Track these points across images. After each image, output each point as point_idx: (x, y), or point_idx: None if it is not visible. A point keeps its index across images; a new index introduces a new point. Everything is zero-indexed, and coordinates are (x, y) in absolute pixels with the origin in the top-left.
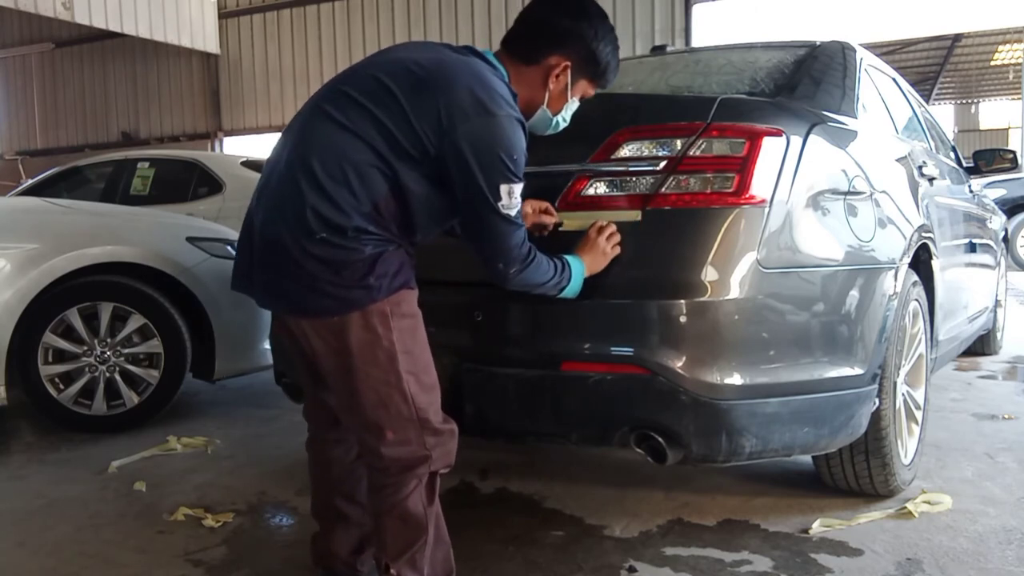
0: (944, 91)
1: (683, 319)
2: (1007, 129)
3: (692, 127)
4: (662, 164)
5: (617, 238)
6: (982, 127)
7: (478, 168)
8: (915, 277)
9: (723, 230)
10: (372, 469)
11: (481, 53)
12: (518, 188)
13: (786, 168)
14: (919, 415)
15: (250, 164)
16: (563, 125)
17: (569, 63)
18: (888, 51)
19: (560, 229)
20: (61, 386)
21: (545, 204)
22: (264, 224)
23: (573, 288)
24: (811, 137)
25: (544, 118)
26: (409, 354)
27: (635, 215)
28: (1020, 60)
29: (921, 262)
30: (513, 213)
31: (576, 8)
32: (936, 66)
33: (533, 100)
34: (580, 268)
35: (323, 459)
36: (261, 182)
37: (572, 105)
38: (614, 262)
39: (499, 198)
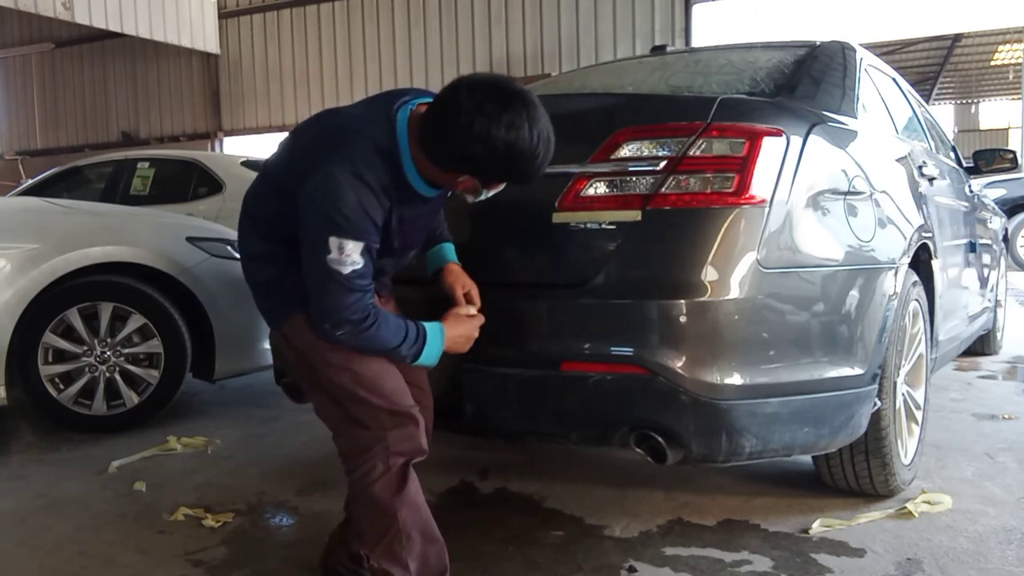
0: (944, 91)
1: (683, 319)
2: (1007, 129)
3: (692, 127)
4: (662, 164)
5: (478, 324)
6: (982, 127)
7: (309, 217)
8: (915, 277)
9: (723, 230)
10: (340, 456)
11: (394, 115)
12: (352, 246)
13: (786, 168)
14: (919, 415)
15: (250, 164)
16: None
17: (470, 179)
18: (888, 51)
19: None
20: (61, 386)
21: (472, 293)
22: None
23: (425, 360)
24: (811, 137)
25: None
26: (338, 352)
27: (635, 215)
28: (1020, 60)
29: (921, 262)
30: (346, 271)
31: (477, 134)
32: (936, 66)
33: (446, 186)
34: (439, 342)
35: None
36: None
37: (493, 191)
38: (614, 261)
39: (328, 251)
